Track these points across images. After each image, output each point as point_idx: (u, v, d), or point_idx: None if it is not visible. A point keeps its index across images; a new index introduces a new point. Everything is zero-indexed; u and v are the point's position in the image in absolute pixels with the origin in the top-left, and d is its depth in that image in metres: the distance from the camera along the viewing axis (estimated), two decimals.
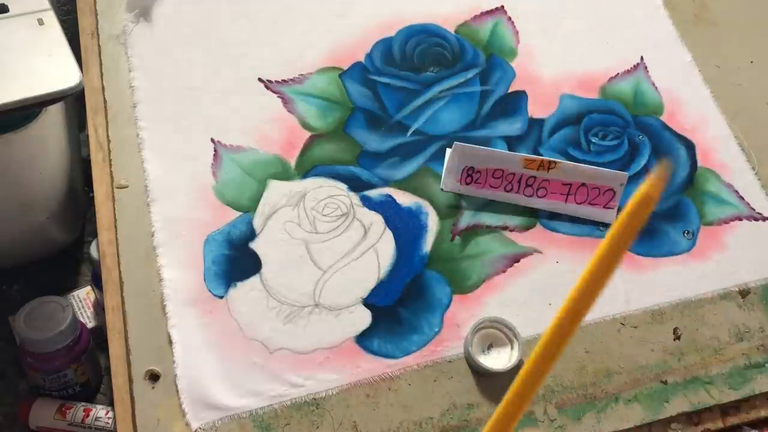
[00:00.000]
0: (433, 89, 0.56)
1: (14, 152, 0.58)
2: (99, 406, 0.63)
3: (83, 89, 0.54)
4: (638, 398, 0.48)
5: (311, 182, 0.52)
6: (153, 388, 0.45)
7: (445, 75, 0.57)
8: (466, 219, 0.52)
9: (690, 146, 0.57)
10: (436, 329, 0.48)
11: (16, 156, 0.59)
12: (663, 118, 0.58)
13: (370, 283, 0.49)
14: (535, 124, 0.56)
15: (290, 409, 0.45)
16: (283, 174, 0.52)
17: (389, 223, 0.51)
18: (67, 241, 0.72)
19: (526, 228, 0.52)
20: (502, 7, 0.61)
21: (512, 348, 0.46)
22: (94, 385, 0.66)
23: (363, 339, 0.47)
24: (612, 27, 0.61)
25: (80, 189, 0.71)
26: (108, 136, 0.52)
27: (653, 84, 0.59)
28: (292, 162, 0.52)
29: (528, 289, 0.50)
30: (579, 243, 0.52)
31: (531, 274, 0.50)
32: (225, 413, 0.44)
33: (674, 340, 0.50)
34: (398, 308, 0.48)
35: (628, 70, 0.59)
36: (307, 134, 0.54)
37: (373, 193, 0.52)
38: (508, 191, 0.52)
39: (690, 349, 0.50)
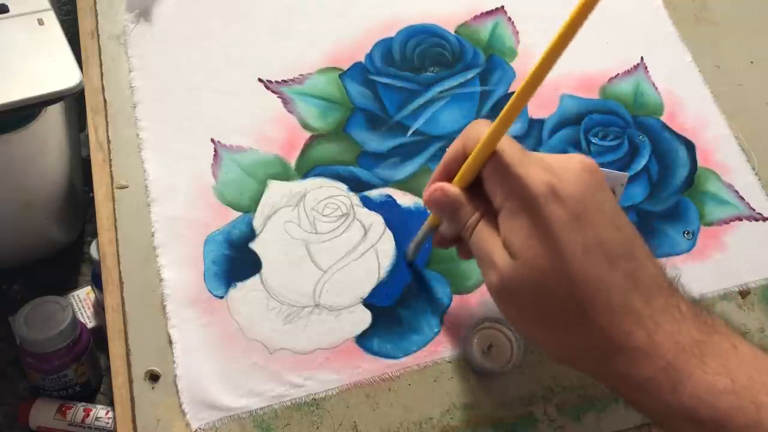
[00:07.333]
0: (433, 89, 0.56)
1: (14, 152, 0.58)
2: (99, 406, 0.63)
3: (83, 89, 0.54)
4: None
5: (311, 182, 0.52)
6: (153, 388, 0.45)
7: (445, 75, 0.57)
8: None
9: (690, 146, 0.57)
10: (436, 329, 0.48)
11: (16, 156, 0.59)
12: (663, 118, 0.58)
13: (370, 284, 0.49)
14: (535, 124, 0.56)
15: (290, 409, 0.45)
16: (283, 174, 0.52)
17: (389, 223, 0.51)
18: (67, 241, 0.72)
19: None
20: (502, 7, 0.61)
21: (512, 348, 0.46)
22: (94, 385, 0.66)
23: (363, 339, 0.47)
24: (612, 27, 0.61)
25: (80, 189, 0.71)
26: (108, 136, 0.52)
27: (653, 84, 0.59)
28: (292, 162, 0.52)
29: None
30: None
31: None
32: (225, 413, 0.44)
33: None
34: (398, 308, 0.48)
35: (628, 71, 0.59)
36: (307, 134, 0.54)
37: (374, 194, 0.52)
38: None
39: None
